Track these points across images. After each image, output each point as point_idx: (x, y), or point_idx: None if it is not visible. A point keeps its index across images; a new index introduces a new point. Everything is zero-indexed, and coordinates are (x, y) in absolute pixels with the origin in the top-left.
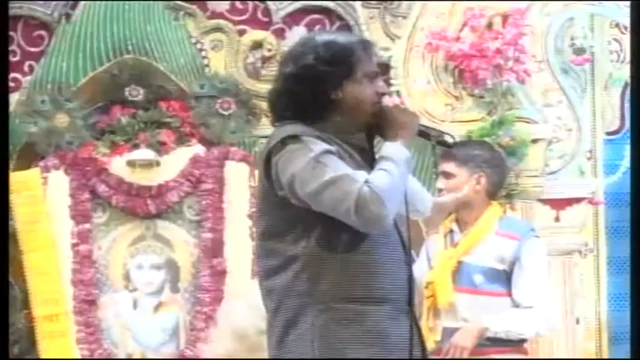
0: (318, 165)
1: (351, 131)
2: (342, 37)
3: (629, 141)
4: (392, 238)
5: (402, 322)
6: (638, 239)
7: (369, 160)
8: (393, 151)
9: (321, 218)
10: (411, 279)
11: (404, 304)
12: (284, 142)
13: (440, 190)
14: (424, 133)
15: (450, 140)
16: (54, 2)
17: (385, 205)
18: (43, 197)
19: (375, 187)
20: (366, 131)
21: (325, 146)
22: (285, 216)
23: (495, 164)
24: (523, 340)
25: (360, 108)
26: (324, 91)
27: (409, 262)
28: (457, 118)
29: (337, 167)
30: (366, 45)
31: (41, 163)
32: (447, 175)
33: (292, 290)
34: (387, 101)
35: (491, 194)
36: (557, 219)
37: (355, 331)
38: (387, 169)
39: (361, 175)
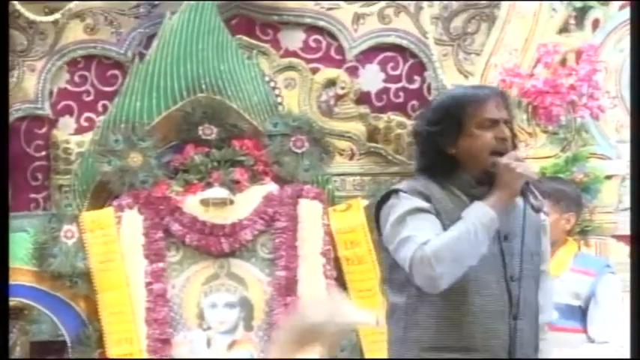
0: (400, 223)
1: (472, 184)
2: (457, 92)
3: None
4: (490, 290)
5: None
6: (639, 240)
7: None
8: (471, 211)
9: None
10: (512, 330)
11: (501, 354)
12: (388, 196)
13: None
14: (523, 194)
15: (538, 207)
16: (127, 42)
17: (435, 268)
18: (116, 236)
19: (427, 249)
20: (489, 183)
21: (417, 203)
22: (390, 264)
23: (580, 203)
24: None
25: (476, 159)
26: (440, 148)
27: (514, 314)
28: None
29: (414, 226)
30: (480, 95)
31: (115, 203)
32: None
33: (392, 337)
34: (510, 157)
35: (570, 232)
36: None
37: None
38: (454, 229)
39: (425, 235)
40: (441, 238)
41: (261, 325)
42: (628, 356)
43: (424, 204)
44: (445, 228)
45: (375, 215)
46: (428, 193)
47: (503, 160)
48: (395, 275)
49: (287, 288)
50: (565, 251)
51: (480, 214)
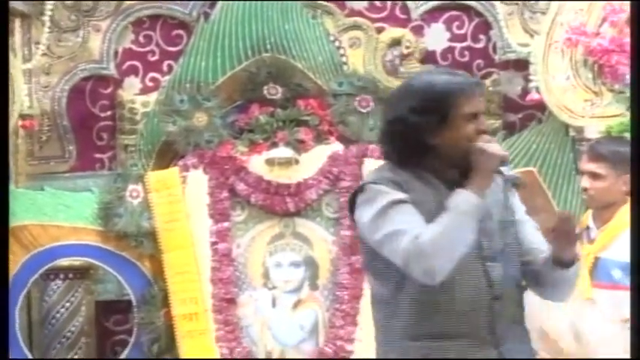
0: (381, 217)
1: (446, 171)
2: (440, 81)
3: None
4: (469, 276)
5: (484, 352)
6: (639, 238)
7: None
8: (456, 200)
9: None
10: (494, 312)
11: (485, 336)
12: (363, 188)
13: (585, 190)
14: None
15: (518, 181)
16: (192, 2)
17: (432, 260)
18: (182, 196)
19: (420, 242)
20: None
21: (395, 195)
22: (368, 253)
23: None
24: None
25: (455, 149)
26: (420, 138)
27: (495, 295)
28: (596, 113)
29: (398, 220)
30: (465, 87)
31: (180, 162)
32: (595, 176)
33: (377, 324)
34: (483, 139)
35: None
36: None
37: None
38: (441, 221)
39: (415, 228)
40: (432, 230)
41: (326, 284)
42: None
43: (402, 195)
44: (424, 217)
45: (350, 208)
46: (402, 182)
47: (477, 144)
48: (374, 263)
49: (352, 247)
50: (625, 210)
51: (465, 201)
